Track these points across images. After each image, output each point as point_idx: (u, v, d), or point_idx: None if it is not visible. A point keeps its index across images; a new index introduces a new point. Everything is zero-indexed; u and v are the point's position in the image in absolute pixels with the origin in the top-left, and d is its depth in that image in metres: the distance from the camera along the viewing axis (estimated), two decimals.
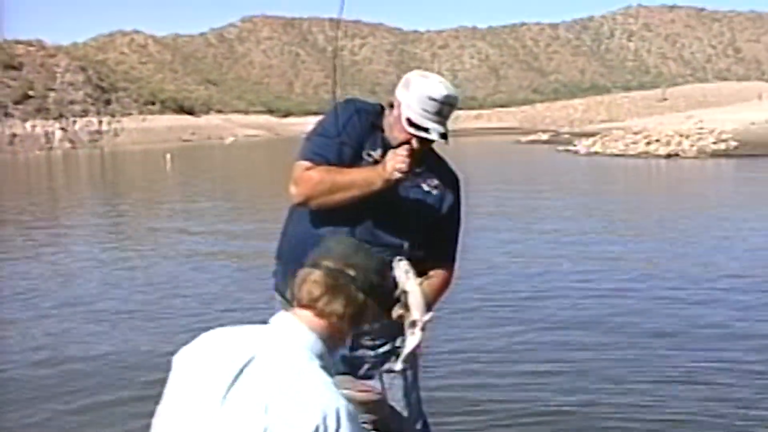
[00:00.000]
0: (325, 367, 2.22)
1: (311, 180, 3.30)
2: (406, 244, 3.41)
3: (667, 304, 9.10)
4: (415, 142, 3.29)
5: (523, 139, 64.18)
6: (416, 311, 3.06)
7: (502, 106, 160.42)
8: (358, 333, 3.27)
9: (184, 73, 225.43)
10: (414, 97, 3.27)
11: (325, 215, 3.37)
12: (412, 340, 3.12)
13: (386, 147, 3.36)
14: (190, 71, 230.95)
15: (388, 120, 3.42)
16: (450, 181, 3.57)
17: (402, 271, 3.03)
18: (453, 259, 3.59)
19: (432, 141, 3.34)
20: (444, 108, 3.26)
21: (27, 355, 7.59)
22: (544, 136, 64.23)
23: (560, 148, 49.57)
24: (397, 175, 3.21)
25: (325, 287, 2.29)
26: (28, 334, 8.43)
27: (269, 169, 42.01)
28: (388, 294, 2.46)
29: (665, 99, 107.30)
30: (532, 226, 16.20)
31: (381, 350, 3.46)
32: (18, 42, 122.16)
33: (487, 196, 21.13)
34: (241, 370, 2.17)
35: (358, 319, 2.34)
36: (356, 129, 3.39)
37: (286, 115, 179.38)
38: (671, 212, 18.44)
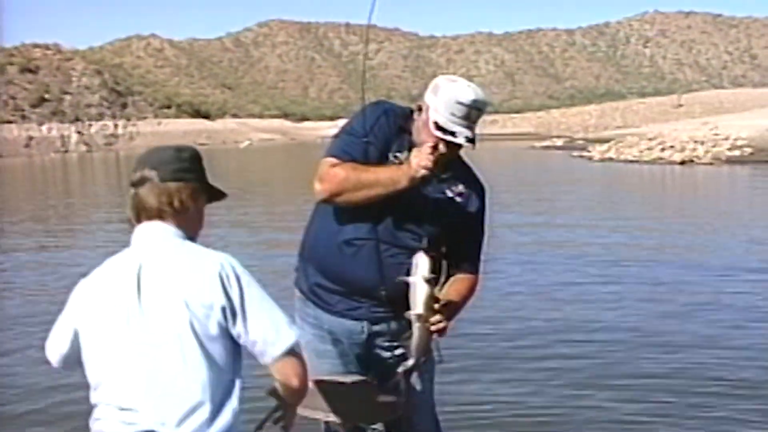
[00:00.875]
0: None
1: (336, 176, 3.29)
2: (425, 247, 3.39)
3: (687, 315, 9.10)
4: (442, 146, 3.28)
5: (538, 144, 64.06)
6: (418, 305, 3.16)
7: (517, 111, 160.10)
8: (375, 334, 3.42)
9: (200, 77, 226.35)
10: (442, 101, 3.27)
11: (346, 215, 3.39)
12: (415, 333, 3.21)
13: (413, 150, 3.35)
14: (206, 75, 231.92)
15: (416, 124, 3.41)
16: (476, 189, 3.55)
17: (415, 263, 3.19)
18: (477, 266, 3.60)
19: (460, 146, 3.31)
20: (472, 112, 3.26)
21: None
22: (559, 142, 64.08)
23: (575, 153, 49.51)
24: (423, 172, 3.20)
25: (139, 197, 2.58)
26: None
27: (287, 172, 42.08)
28: (191, 170, 2.63)
29: (680, 105, 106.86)
30: (543, 236, 16.03)
31: (397, 351, 3.49)
32: (35, 45, 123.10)
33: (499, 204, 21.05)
34: (139, 278, 2.46)
35: (187, 201, 2.59)
36: (383, 130, 3.40)
37: (302, 119, 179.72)
38: (687, 219, 18.33)
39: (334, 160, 3.35)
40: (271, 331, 2.46)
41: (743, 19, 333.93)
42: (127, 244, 2.59)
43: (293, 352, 2.51)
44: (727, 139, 42.19)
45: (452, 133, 3.25)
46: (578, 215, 19.44)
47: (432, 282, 3.24)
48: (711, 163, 38.43)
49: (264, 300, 2.50)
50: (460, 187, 3.49)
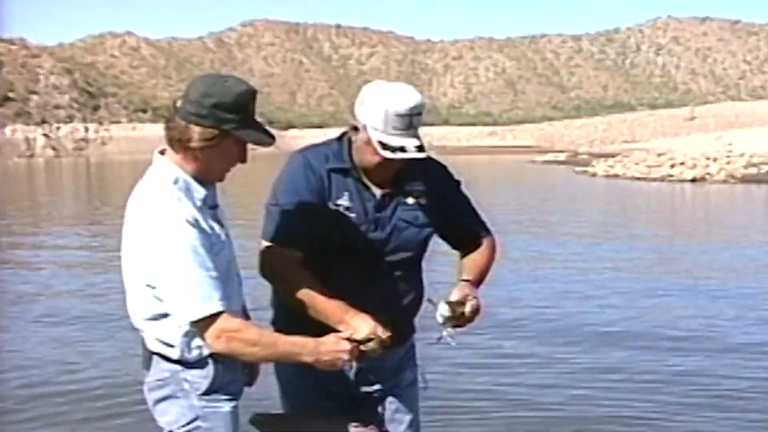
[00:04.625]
0: (184, 191, 2.86)
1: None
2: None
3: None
4: (393, 162, 3.29)
5: (539, 158, 64.37)
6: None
7: (518, 122, 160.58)
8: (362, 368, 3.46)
9: (178, 79, 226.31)
10: (378, 116, 3.25)
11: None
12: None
13: (355, 183, 3.40)
14: (185, 77, 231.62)
15: (355, 145, 3.39)
16: (435, 174, 3.58)
17: (439, 313, 3.29)
18: (485, 227, 3.68)
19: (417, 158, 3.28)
20: (414, 119, 3.25)
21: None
22: (561, 156, 64.44)
23: (578, 169, 49.67)
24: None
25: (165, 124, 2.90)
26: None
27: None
28: (210, 115, 2.83)
29: (693, 118, 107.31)
30: (541, 266, 15.49)
31: (385, 384, 3.60)
32: None
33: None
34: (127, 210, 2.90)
35: (196, 142, 2.84)
36: (312, 187, 3.39)
37: (288, 127, 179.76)
38: (697, 244, 18.18)
39: (273, 246, 3.36)
40: (176, 300, 2.80)
41: (763, 25, 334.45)
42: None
43: (210, 319, 2.80)
44: (742, 155, 42.32)
45: (401, 149, 3.24)
46: (574, 244, 19.42)
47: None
48: (725, 182, 38.48)
49: (178, 268, 2.78)
50: (419, 186, 3.51)
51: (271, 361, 3.19)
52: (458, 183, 3.64)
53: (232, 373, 3.02)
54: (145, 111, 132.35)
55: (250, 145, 2.93)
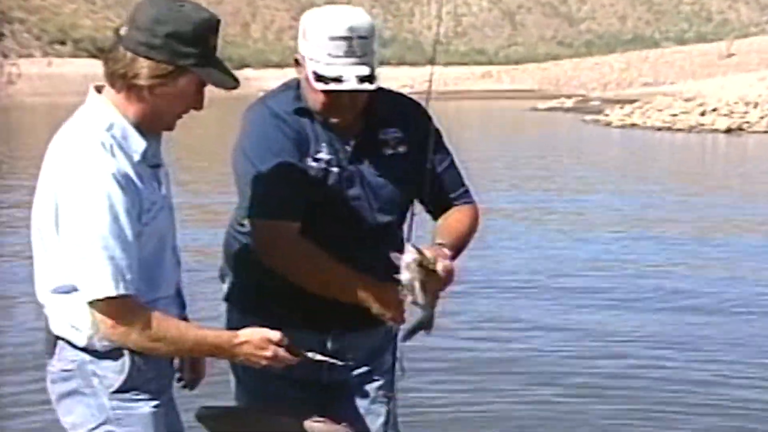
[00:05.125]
0: (119, 140, 2.80)
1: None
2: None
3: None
4: (340, 99, 3.31)
5: (541, 105, 64.10)
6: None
7: (517, 62, 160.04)
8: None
9: (103, 4, 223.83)
10: (314, 43, 3.27)
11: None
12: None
13: (326, 133, 3.43)
14: (111, 3, 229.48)
15: (302, 85, 3.44)
16: (414, 118, 3.60)
17: (404, 260, 3.22)
18: (467, 191, 3.74)
19: (361, 90, 3.30)
20: (355, 43, 3.22)
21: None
22: (569, 103, 64.15)
23: (588, 118, 49.44)
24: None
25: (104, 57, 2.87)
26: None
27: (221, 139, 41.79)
28: (164, 46, 2.78)
29: (731, 55, 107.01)
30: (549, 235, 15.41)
31: (362, 370, 3.72)
32: None
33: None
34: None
35: (141, 78, 2.78)
36: (289, 141, 3.40)
37: (241, 66, 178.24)
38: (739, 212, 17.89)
39: (274, 226, 3.37)
40: (78, 273, 2.78)
41: None
42: None
43: (110, 303, 2.78)
44: None
45: (337, 79, 3.24)
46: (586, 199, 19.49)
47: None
48: (766, 132, 38.57)
49: (89, 234, 2.74)
50: (395, 133, 3.54)
51: (180, 356, 3.18)
52: (440, 133, 3.64)
53: (154, 368, 2.98)
54: (63, 43, 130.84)
55: (208, 88, 2.86)
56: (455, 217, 3.63)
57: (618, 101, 56.54)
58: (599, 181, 22.73)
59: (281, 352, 2.97)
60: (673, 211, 17.61)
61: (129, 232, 2.75)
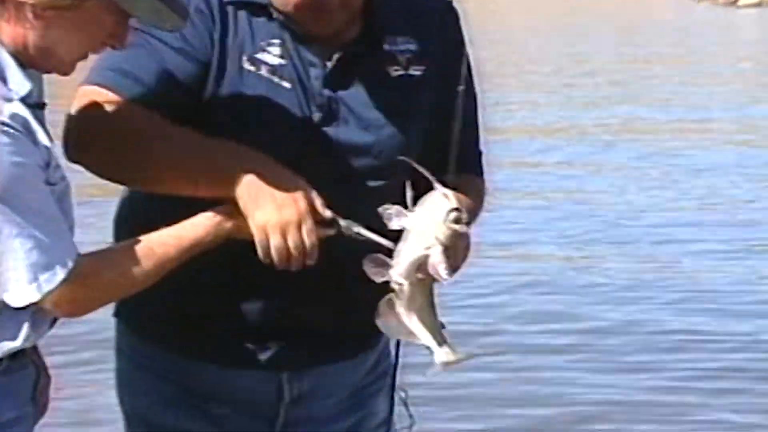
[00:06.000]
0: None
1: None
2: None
3: None
4: None
5: None
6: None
7: None
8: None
9: None
10: None
11: None
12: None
13: (290, 35, 2.63)
14: None
15: None
16: (437, 23, 2.80)
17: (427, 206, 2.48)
18: (480, 161, 2.98)
19: None
20: None
21: None
22: None
23: None
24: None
25: None
26: None
27: None
28: None
29: None
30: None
31: (336, 425, 2.92)
32: None
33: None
34: None
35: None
36: (203, 22, 2.60)
37: None
38: None
39: (97, 91, 2.55)
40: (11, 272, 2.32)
41: None
42: None
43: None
44: None
45: None
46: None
47: None
48: None
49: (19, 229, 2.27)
50: (407, 45, 2.74)
51: (163, 271, 2.46)
52: (469, 65, 2.83)
53: (16, 406, 2.46)
54: None
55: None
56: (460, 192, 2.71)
57: None
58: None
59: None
60: None
61: (42, 193, 2.32)
